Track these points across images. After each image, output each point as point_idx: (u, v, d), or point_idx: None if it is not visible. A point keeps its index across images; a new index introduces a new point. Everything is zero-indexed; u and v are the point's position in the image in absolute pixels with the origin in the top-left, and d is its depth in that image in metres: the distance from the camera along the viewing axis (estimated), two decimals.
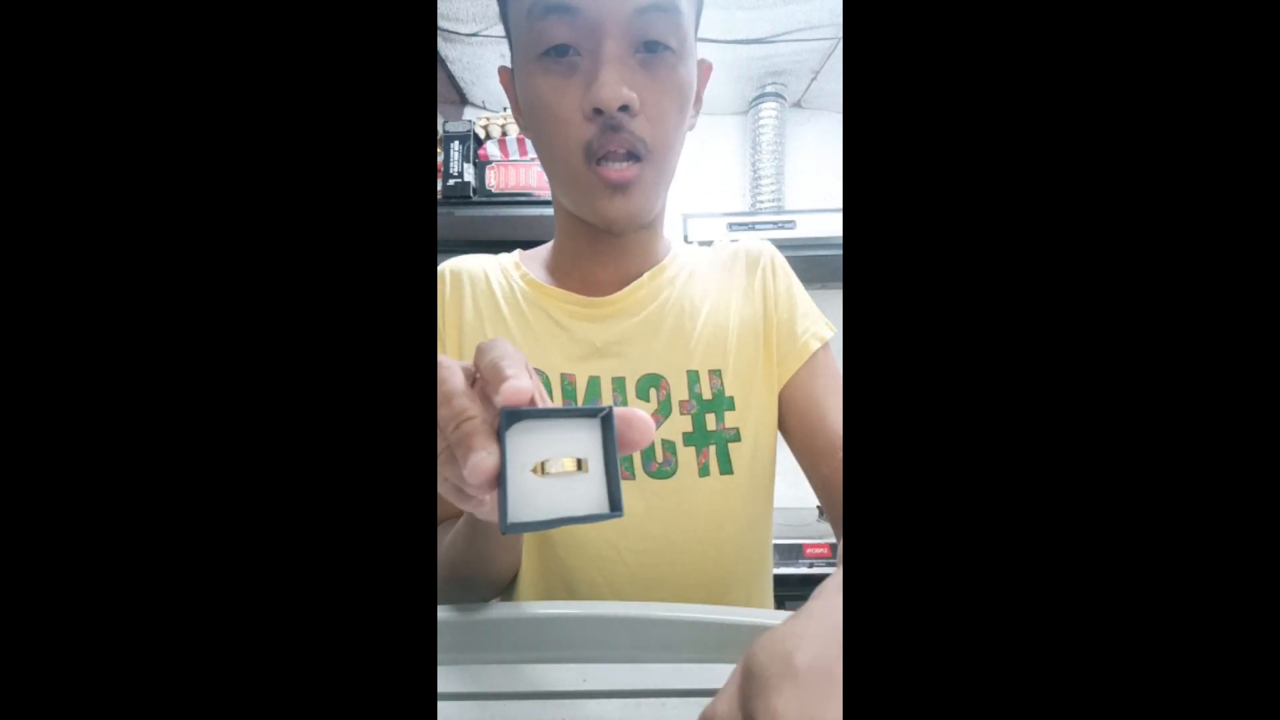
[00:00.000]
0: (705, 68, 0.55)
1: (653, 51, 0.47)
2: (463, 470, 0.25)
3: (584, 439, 0.27)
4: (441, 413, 0.26)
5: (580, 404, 0.52)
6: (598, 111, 0.46)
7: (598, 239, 0.55)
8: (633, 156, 0.48)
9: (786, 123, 1.78)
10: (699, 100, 0.54)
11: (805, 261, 0.63)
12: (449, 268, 0.59)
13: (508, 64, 0.54)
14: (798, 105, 1.86)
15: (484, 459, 0.24)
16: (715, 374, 0.54)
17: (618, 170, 0.48)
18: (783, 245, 0.64)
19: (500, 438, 0.25)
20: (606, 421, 0.27)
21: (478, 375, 0.28)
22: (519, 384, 0.25)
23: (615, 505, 0.27)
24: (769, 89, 1.75)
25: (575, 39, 0.47)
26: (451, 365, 0.28)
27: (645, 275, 0.57)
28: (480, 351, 0.28)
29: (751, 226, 1.54)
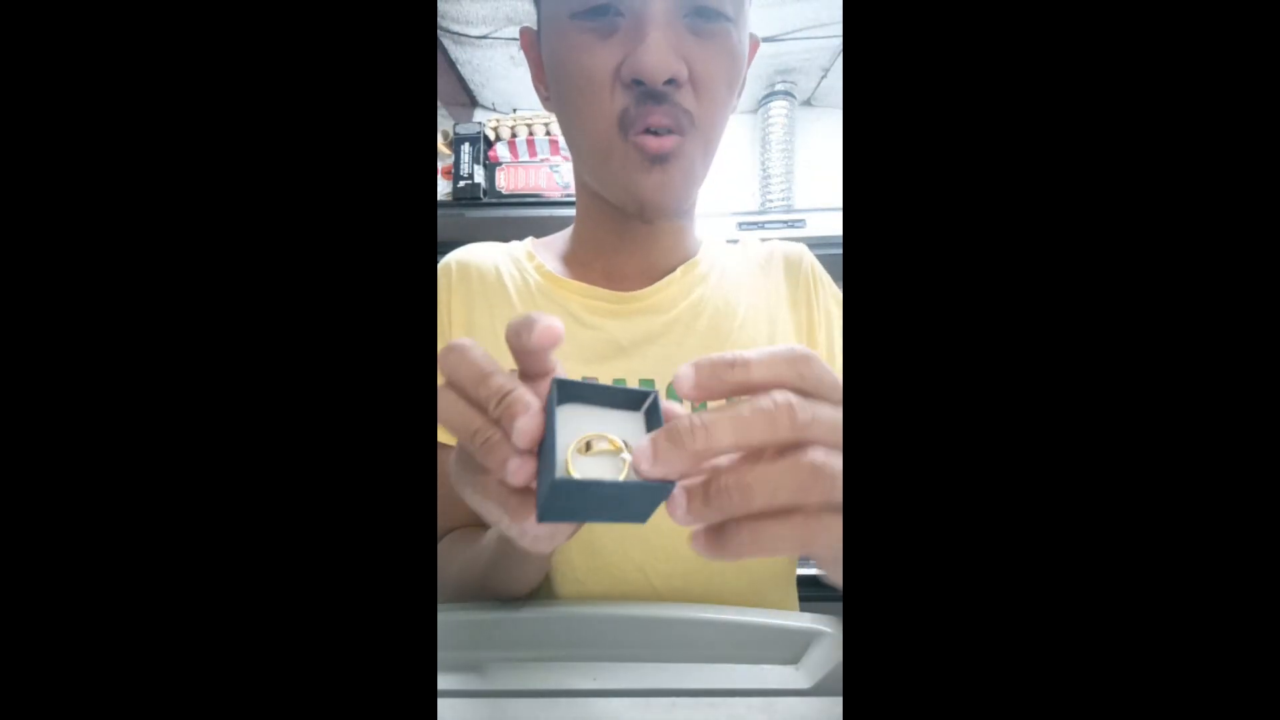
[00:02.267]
0: (754, 44, 0.48)
1: (707, 19, 0.41)
2: (510, 435, 0.22)
3: (626, 428, 0.25)
4: (480, 393, 0.23)
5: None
6: (637, 82, 0.40)
7: (625, 226, 0.50)
8: (676, 129, 0.42)
9: (796, 121, 1.77)
10: (743, 80, 0.47)
11: None
12: (454, 260, 0.53)
13: (517, 61, 0.52)
14: (807, 103, 1.85)
15: (528, 421, 0.22)
16: None
17: (657, 139, 0.41)
18: None
19: (549, 410, 0.23)
20: (651, 412, 0.25)
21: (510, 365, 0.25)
22: (549, 320, 0.23)
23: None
24: (778, 87, 1.74)
25: None
26: (475, 345, 0.24)
27: (678, 270, 0.52)
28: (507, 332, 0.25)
29: (761, 225, 1.53)
